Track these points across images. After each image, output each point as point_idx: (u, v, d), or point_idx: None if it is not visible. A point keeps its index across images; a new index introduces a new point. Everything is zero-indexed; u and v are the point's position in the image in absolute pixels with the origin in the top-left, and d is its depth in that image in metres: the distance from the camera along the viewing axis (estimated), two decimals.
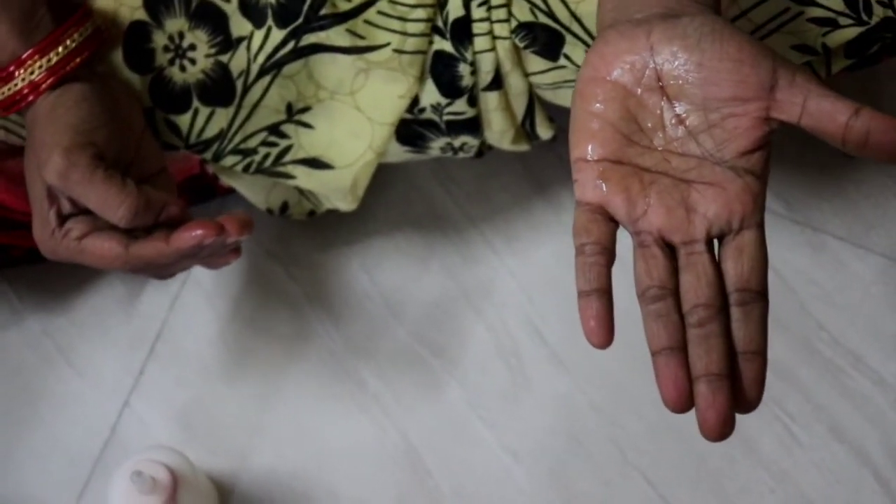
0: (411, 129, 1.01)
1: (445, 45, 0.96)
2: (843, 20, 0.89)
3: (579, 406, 1.15)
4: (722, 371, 0.65)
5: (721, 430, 0.65)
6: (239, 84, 0.95)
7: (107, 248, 0.86)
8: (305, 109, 0.98)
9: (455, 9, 0.95)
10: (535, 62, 0.96)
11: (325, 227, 1.22)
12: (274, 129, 0.98)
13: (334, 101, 0.98)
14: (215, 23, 0.94)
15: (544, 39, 0.93)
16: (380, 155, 1.00)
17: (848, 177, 1.21)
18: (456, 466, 1.14)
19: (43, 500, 1.15)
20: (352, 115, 0.98)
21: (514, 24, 0.94)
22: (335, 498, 1.14)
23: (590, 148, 0.69)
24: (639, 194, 0.68)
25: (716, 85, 0.67)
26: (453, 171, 1.24)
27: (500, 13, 0.94)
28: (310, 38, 0.94)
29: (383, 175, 1.17)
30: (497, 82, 0.97)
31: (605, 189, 0.69)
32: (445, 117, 0.99)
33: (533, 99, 1.00)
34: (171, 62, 0.94)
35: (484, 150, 1.06)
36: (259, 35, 0.94)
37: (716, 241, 0.68)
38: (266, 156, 1.00)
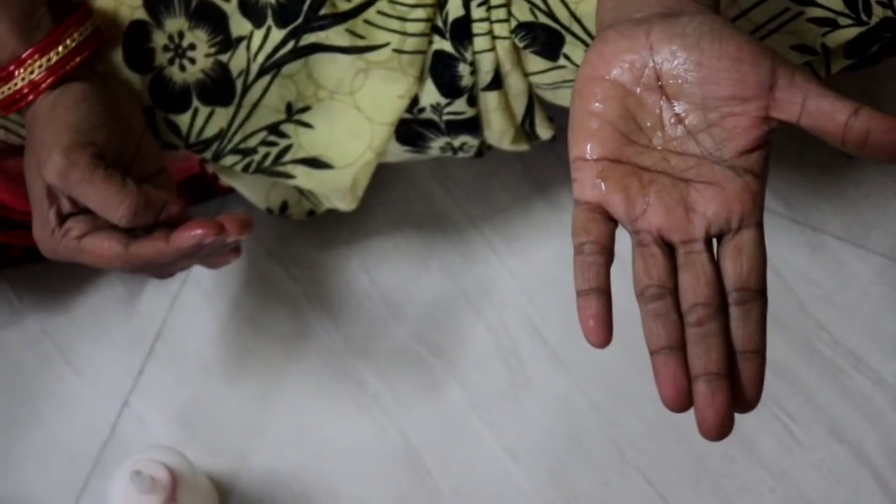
0: (411, 129, 1.01)
1: (445, 45, 0.96)
2: (842, 20, 0.89)
3: (579, 406, 1.15)
4: (721, 370, 0.65)
5: (720, 430, 0.65)
6: (239, 83, 0.95)
7: (106, 248, 0.86)
8: (305, 109, 0.98)
9: (455, 9, 0.95)
10: (534, 62, 0.96)
11: (324, 227, 1.22)
12: (274, 129, 0.98)
13: (334, 101, 0.98)
14: (215, 22, 0.94)
15: (544, 39, 0.93)
16: (379, 155, 1.00)
17: (847, 177, 1.21)
18: (456, 466, 1.14)
19: (42, 500, 1.15)
20: (351, 115, 0.98)
21: (513, 23, 0.94)
22: (335, 498, 1.14)
23: (589, 147, 0.69)
24: (638, 193, 0.68)
25: (715, 84, 0.67)
26: (453, 171, 1.24)
27: (500, 13, 0.94)
28: (309, 38, 0.94)
29: (383, 175, 1.17)
30: (497, 82, 0.97)
31: (603, 188, 0.69)
32: (445, 117, 0.99)
33: (532, 99, 1.01)
34: (171, 62, 0.94)
35: (483, 149, 1.06)
36: (259, 35, 0.94)
37: (714, 241, 0.68)
38: (266, 155, 1.00)
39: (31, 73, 0.86)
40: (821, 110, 0.66)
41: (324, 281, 1.21)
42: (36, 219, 0.88)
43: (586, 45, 0.92)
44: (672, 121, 0.69)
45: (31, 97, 0.87)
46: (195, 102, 0.96)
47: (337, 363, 1.18)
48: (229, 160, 1.00)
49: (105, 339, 1.21)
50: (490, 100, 0.98)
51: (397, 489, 1.13)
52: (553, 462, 1.13)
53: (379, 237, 1.23)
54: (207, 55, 0.94)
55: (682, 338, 0.66)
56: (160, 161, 0.95)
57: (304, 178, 1.01)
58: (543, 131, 1.04)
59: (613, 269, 0.67)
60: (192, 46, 0.94)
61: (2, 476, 1.16)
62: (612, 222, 0.69)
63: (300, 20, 0.93)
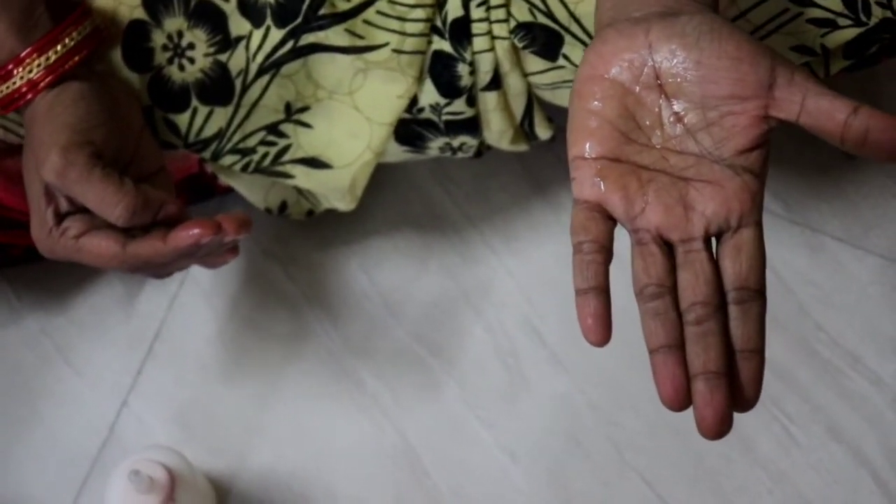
0: (410, 129, 1.01)
1: (444, 45, 0.96)
2: (841, 21, 0.89)
3: (577, 406, 1.15)
4: (720, 369, 0.65)
5: (719, 429, 0.65)
6: (238, 83, 0.95)
7: (104, 247, 0.86)
8: (304, 109, 0.98)
9: (454, 9, 0.95)
10: (533, 62, 0.96)
11: (323, 227, 1.22)
12: (273, 129, 0.98)
13: (333, 101, 0.98)
14: (214, 22, 0.94)
15: (543, 40, 0.93)
16: (378, 155, 1.00)
17: (847, 178, 1.21)
18: (454, 466, 1.14)
19: (41, 499, 1.15)
20: (350, 115, 0.98)
21: (512, 24, 0.94)
22: (333, 497, 1.13)
23: (588, 146, 0.69)
24: (637, 192, 0.68)
25: (714, 83, 0.67)
26: (452, 171, 1.24)
27: (499, 13, 0.94)
28: (308, 38, 0.94)
29: (382, 175, 1.17)
30: (496, 82, 0.97)
31: (602, 187, 0.69)
32: (444, 117, 0.99)
33: (532, 99, 1.01)
34: (170, 61, 0.94)
35: (483, 150, 1.06)
36: (258, 34, 0.94)
37: (714, 240, 0.68)
38: (265, 155, 1.00)
39: (30, 72, 0.86)
40: (820, 109, 0.66)
41: (323, 281, 1.21)
42: (34, 218, 0.88)
43: (585, 45, 0.92)
44: (671, 119, 0.69)
45: (29, 96, 0.87)
46: (194, 102, 0.96)
47: (336, 363, 1.18)
48: (228, 160, 1.00)
49: (104, 339, 1.21)
50: (489, 100, 0.98)
51: (396, 489, 1.13)
52: (551, 462, 1.13)
53: (378, 237, 1.23)
54: (206, 55, 0.94)
55: (681, 337, 0.66)
56: (159, 160, 0.95)
57: (303, 177, 1.02)
58: (542, 131, 1.04)
59: (613, 269, 0.67)
60: (191, 46, 0.94)
61: (1, 475, 1.16)
62: (611, 221, 0.69)
63: (299, 20, 0.93)
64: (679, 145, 0.69)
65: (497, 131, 1.01)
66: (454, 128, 1.00)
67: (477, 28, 0.95)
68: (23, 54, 0.86)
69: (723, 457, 1.12)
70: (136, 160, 0.92)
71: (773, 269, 1.16)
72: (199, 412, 1.17)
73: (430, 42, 0.96)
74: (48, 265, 1.02)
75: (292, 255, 1.22)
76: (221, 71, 0.95)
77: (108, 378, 1.19)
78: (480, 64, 0.96)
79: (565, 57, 0.93)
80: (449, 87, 0.97)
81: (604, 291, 0.67)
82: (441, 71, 0.97)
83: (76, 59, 0.88)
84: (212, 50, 0.94)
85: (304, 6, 0.93)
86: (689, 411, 0.66)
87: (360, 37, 0.94)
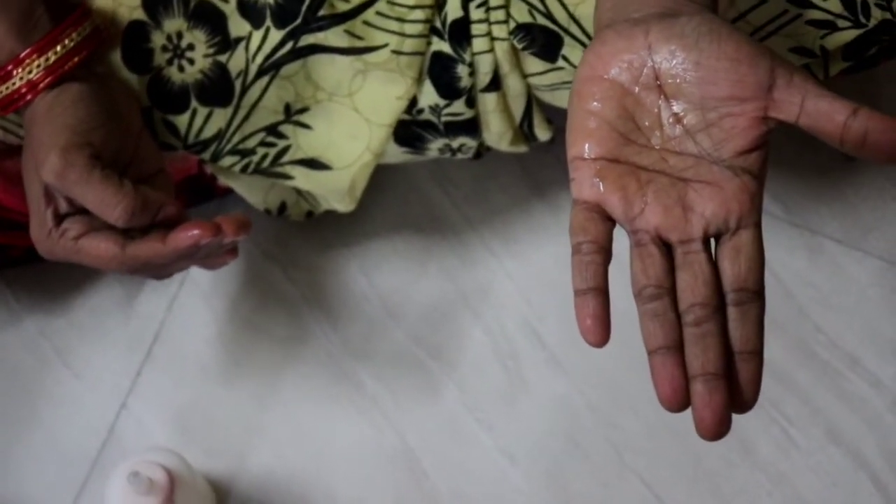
0: (409, 131, 1.01)
1: (444, 47, 0.96)
2: (841, 22, 0.89)
3: (576, 408, 1.15)
4: (718, 370, 0.65)
5: (717, 430, 0.65)
6: (237, 84, 0.95)
7: (103, 248, 0.86)
8: (303, 110, 0.98)
9: (453, 10, 0.95)
10: (533, 63, 0.96)
11: (323, 229, 1.22)
12: (272, 130, 0.98)
13: (332, 103, 0.98)
14: (214, 23, 0.94)
15: (542, 41, 0.93)
16: (378, 156, 1.00)
17: (846, 180, 1.21)
18: (453, 468, 1.14)
19: (40, 501, 1.15)
20: (350, 117, 0.98)
21: (512, 25, 0.94)
22: (333, 499, 1.13)
23: (587, 146, 0.69)
24: (636, 193, 0.68)
25: (713, 84, 0.67)
26: (451, 173, 1.24)
27: (499, 14, 0.94)
28: (308, 39, 0.94)
29: (381, 176, 1.17)
30: (495, 84, 0.97)
31: (601, 187, 0.68)
32: (443, 118, 0.99)
33: (531, 100, 1.01)
34: (170, 62, 0.94)
35: (482, 151, 1.06)
36: (257, 35, 0.94)
37: (713, 241, 0.68)
38: (264, 156, 1.00)
39: (30, 72, 0.86)
40: (819, 110, 0.66)
41: (322, 283, 1.21)
42: (33, 219, 0.88)
43: (585, 46, 0.92)
44: (670, 120, 0.69)
45: (29, 97, 0.87)
46: (194, 103, 0.96)
47: (335, 365, 1.18)
48: (228, 161, 1.00)
49: (103, 341, 1.21)
50: (488, 101, 0.98)
51: (395, 491, 1.13)
52: (551, 464, 1.13)
53: (377, 239, 1.23)
54: (206, 56, 0.94)
55: (680, 338, 0.66)
56: (159, 162, 0.95)
57: (303, 179, 1.02)
58: (542, 133, 1.04)
59: (612, 271, 0.67)
60: (190, 47, 0.94)
61: (0, 477, 1.16)
62: (610, 222, 0.69)
63: (299, 21, 0.93)
64: (678, 146, 0.69)
65: (496, 132, 1.01)
66: (453, 129, 1.00)
67: (476, 29, 0.95)
68: (22, 55, 0.86)
69: (722, 459, 1.12)
70: (135, 161, 0.92)
71: (772, 271, 1.16)
72: (199, 414, 1.17)
73: (429, 43, 0.96)
74: (47, 267, 1.02)
75: (292, 257, 1.22)
76: (221, 72, 0.95)
77: (107, 380, 1.19)
78: (480, 65, 0.96)
79: (565, 58, 0.93)
80: (448, 88, 0.97)
81: (603, 292, 0.66)
82: (440, 72, 0.97)
83: (76, 59, 0.88)
84: (211, 51, 0.94)
85: (304, 7, 0.93)
86: (688, 413, 0.66)
87: (360, 38, 0.94)
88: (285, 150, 1.00)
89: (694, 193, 0.68)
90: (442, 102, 0.98)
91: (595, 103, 0.70)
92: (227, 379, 1.18)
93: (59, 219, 0.87)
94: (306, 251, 1.22)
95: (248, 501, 1.14)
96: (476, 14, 0.94)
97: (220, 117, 0.97)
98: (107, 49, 0.93)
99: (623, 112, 0.69)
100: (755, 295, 0.67)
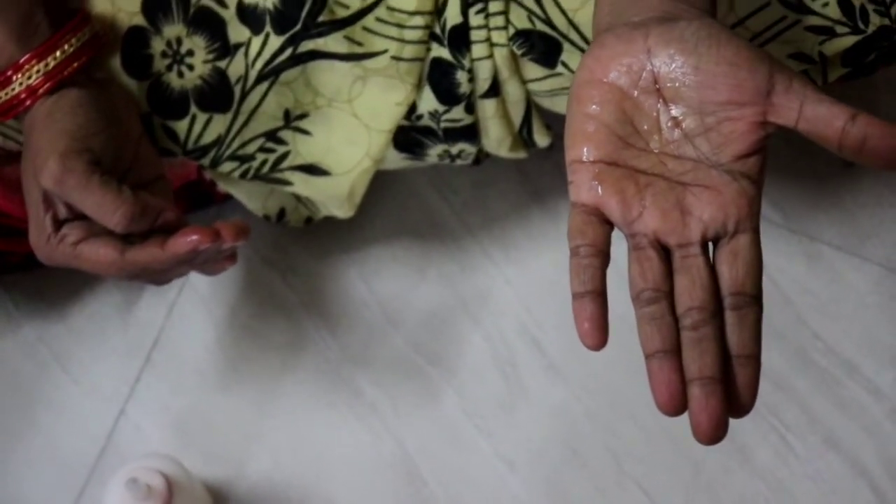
0: (409, 137, 1.01)
1: (443, 53, 0.96)
2: (839, 29, 0.89)
3: (575, 415, 1.15)
4: (715, 374, 0.65)
5: (714, 434, 0.65)
6: (237, 90, 0.95)
7: (102, 254, 0.86)
8: (303, 116, 0.98)
9: (453, 16, 0.95)
10: (532, 69, 0.96)
11: (322, 235, 1.22)
12: (271, 136, 0.99)
13: (332, 109, 0.98)
14: (213, 29, 0.94)
15: (542, 47, 0.93)
16: (377, 162, 1.00)
17: (844, 187, 1.21)
18: (452, 475, 1.14)
19: None
20: (349, 123, 0.98)
21: (511, 31, 0.94)
22: None
23: (585, 150, 0.69)
24: (634, 196, 0.68)
25: (712, 88, 0.67)
26: (451, 179, 1.24)
27: (498, 20, 0.94)
28: (308, 45, 0.94)
29: (381, 182, 1.17)
30: (494, 89, 0.97)
31: (600, 191, 0.68)
32: (443, 124, 0.99)
33: (530, 106, 1.01)
34: (169, 68, 0.94)
35: (481, 157, 1.06)
36: (257, 41, 0.94)
37: (711, 245, 0.68)
38: (263, 162, 1.00)
39: (29, 78, 0.86)
40: (818, 116, 0.66)
41: (321, 289, 1.21)
42: (32, 225, 0.88)
43: (584, 52, 0.92)
44: (669, 124, 0.69)
45: (28, 103, 0.87)
46: (193, 109, 0.96)
47: (334, 371, 1.18)
48: (227, 167, 1.00)
49: (102, 348, 1.21)
50: (488, 107, 0.98)
51: (394, 497, 1.13)
52: (549, 471, 1.13)
53: (376, 245, 1.23)
54: (206, 61, 0.94)
55: (678, 342, 0.66)
56: (158, 168, 0.95)
57: (302, 185, 1.02)
58: (541, 139, 1.04)
59: (610, 278, 0.67)
60: (190, 53, 0.94)
61: None
62: (609, 225, 0.69)
63: (298, 27, 0.93)
64: (677, 150, 0.69)
65: (496, 139, 1.01)
66: (453, 135, 1.00)
67: (476, 35, 0.95)
68: (22, 60, 0.86)
69: (720, 466, 1.12)
70: (134, 167, 0.92)
71: (770, 277, 1.16)
72: (197, 420, 1.17)
73: (428, 49, 0.96)
74: (46, 273, 1.02)
75: (291, 264, 1.22)
76: (220, 78, 0.95)
77: (106, 386, 1.19)
78: (479, 71, 0.96)
79: (564, 64, 0.93)
80: (447, 94, 0.97)
81: (600, 295, 0.66)
82: (440, 78, 0.97)
83: (75, 65, 0.88)
84: (211, 57, 0.94)
85: (303, 13, 0.93)
86: (687, 419, 0.66)
87: (359, 44, 0.95)
88: (284, 155, 1.00)
89: (692, 197, 0.68)
90: (441, 108, 0.98)
91: (594, 106, 0.70)
92: (225, 385, 1.18)
93: (58, 224, 0.87)
94: (305, 257, 1.22)
95: None
96: (475, 20, 0.94)
97: (219, 123, 0.97)
98: (106, 55, 0.93)
99: (622, 115, 0.69)
100: (753, 299, 0.66)
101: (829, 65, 0.92)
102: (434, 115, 0.98)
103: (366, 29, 0.95)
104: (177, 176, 1.11)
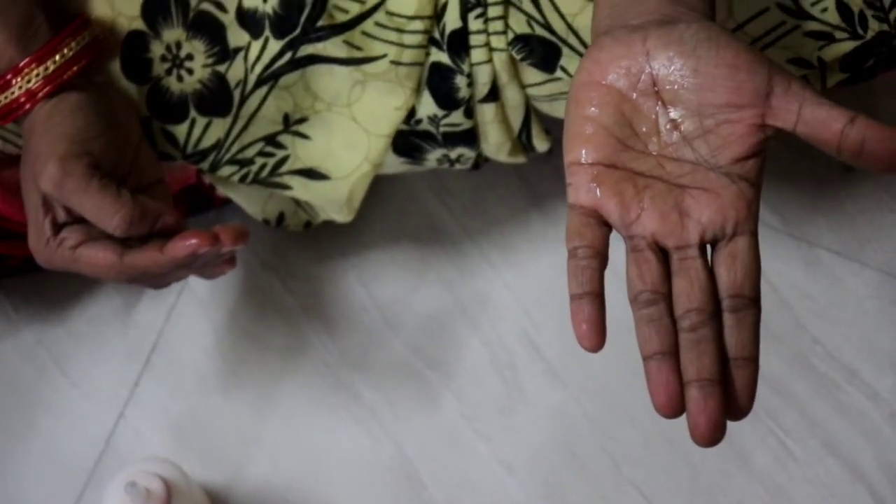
0: (408, 141, 1.01)
1: (442, 57, 0.96)
2: (838, 34, 0.89)
3: (574, 419, 1.15)
4: (713, 376, 0.65)
5: (712, 436, 0.65)
6: (236, 94, 0.96)
7: (101, 258, 0.87)
8: (302, 120, 0.98)
9: (452, 20, 0.95)
10: (531, 74, 0.96)
11: (321, 239, 1.22)
12: (271, 140, 0.99)
13: (331, 113, 0.98)
14: (213, 33, 0.94)
15: (541, 52, 0.93)
16: (376, 166, 1.00)
17: (843, 191, 1.21)
18: (451, 479, 1.14)
19: None
20: (348, 127, 0.98)
21: (510, 36, 0.94)
22: None
23: (584, 152, 0.69)
24: (632, 198, 0.68)
25: (711, 91, 0.67)
26: (450, 184, 1.24)
27: (497, 25, 0.94)
28: (307, 49, 0.94)
29: (380, 187, 1.17)
30: (494, 94, 0.97)
31: (598, 193, 0.68)
32: (442, 129, 0.99)
33: (529, 111, 1.01)
34: (169, 72, 0.94)
35: (480, 162, 1.06)
36: (256, 46, 0.94)
37: (709, 248, 0.68)
38: (263, 166, 1.00)
39: (29, 81, 0.86)
40: (817, 118, 0.66)
41: (320, 293, 1.21)
42: (31, 228, 0.88)
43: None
44: (668, 127, 0.69)
45: (27, 106, 0.87)
46: (192, 113, 0.96)
47: (333, 375, 1.18)
48: (226, 171, 1.00)
49: (101, 351, 1.21)
50: (487, 112, 0.99)
51: (393, 501, 1.13)
52: (548, 475, 1.13)
53: (376, 249, 1.23)
54: (205, 66, 0.94)
55: (676, 344, 0.66)
56: (157, 172, 0.95)
57: (301, 189, 1.02)
58: (540, 143, 1.04)
59: (608, 280, 0.67)
60: (189, 57, 0.94)
61: None
62: (607, 227, 0.69)
63: (298, 31, 0.93)
64: (675, 152, 0.69)
65: (495, 143, 1.02)
66: (452, 139, 1.00)
67: (475, 40, 0.95)
68: (21, 64, 0.86)
69: (719, 470, 1.12)
70: (133, 171, 0.92)
71: (769, 282, 1.16)
72: (196, 424, 1.17)
73: (428, 54, 0.96)
74: (46, 276, 1.02)
75: (290, 268, 1.22)
76: (220, 82, 0.95)
77: (105, 389, 1.19)
78: (478, 76, 0.96)
79: (563, 69, 0.93)
80: (447, 98, 0.97)
81: (598, 297, 0.66)
82: (439, 83, 0.97)
83: (75, 69, 0.88)
84: (210, 61, 0.94)
85: (303, 18, 0.93)
86: (685, 423, 0.66)
87: (359, 48, 0.95)
88: (284, 160, 1.00)
89: (691, 199, 0.68)
90: (440, 113, 0.98)
91: (592, 109, 0.70)
92: (224, 389, 1.18)
93: (58, 228, 0.87)
94: (304, 261, 1.22)
95: None
96: (475, 25, 0.94)
97: (218, 127, 0.97)
98: (106, 59, 0.93)
99: (620, 118, 0.69)
100: (751, 302, 0.67)
101: (828, 70, 0.92)
102: (433, 119, 0.98)
103: (365, 33, 0.95)
104: (176, 180, 1.12)
